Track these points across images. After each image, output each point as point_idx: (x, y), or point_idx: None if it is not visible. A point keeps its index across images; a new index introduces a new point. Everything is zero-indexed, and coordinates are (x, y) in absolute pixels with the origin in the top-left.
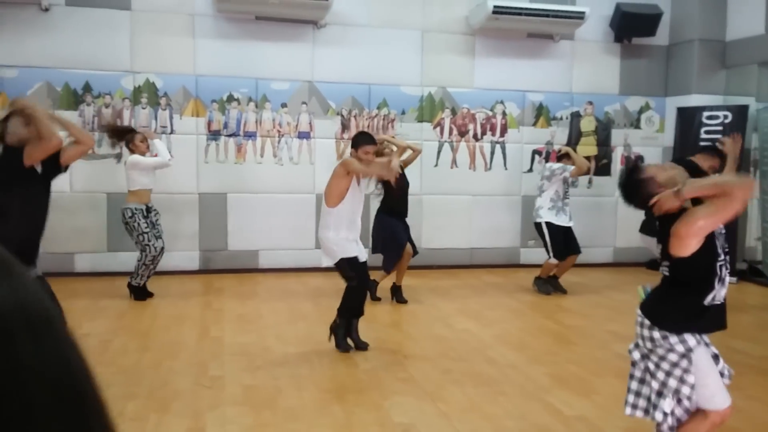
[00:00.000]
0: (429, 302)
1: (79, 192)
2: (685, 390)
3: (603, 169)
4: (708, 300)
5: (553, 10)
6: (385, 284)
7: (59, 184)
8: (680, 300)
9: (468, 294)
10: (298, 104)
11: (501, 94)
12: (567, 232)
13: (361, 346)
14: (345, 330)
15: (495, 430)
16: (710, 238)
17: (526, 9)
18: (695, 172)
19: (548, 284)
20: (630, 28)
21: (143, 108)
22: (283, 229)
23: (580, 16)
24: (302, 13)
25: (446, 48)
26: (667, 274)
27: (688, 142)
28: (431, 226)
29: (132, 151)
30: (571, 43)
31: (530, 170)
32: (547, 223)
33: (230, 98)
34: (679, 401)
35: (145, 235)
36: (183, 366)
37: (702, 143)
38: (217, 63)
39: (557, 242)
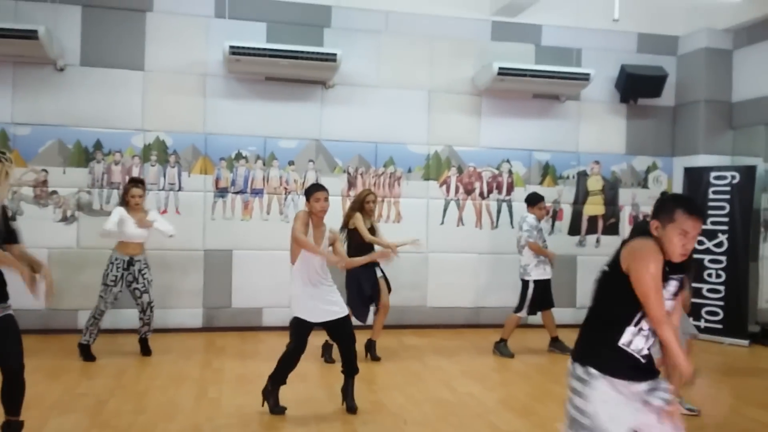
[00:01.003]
0: (433, 363)
1: (86, 248)
2: (584, 421)
3: (611, 228)
4: (623, 341)
5: (558, 72)
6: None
7: (66, 240)
8: (600, 336)
9: (473, 355)
10: (305, 162)
11: (507, 153)
12: (546, 284)
13: (350, 409)
14: (276, 394)
15: None
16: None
17: (531, 71)
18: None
19: (504, 349)
20: (635, 89)
21: (152, 165)
22: (288, 286)
23: (585, 78)
24: (311, 74)
25: (453, 107)
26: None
27: None
28: (437, 284)
29: (127, 203)
30: (577, 103)
31: None
32: (536, 281)
33: (238, 156)
34: None
35: (106, 288)
36: (177, 429)
37: (710, 203)
38: (226, 122)
39: (536, 297)
